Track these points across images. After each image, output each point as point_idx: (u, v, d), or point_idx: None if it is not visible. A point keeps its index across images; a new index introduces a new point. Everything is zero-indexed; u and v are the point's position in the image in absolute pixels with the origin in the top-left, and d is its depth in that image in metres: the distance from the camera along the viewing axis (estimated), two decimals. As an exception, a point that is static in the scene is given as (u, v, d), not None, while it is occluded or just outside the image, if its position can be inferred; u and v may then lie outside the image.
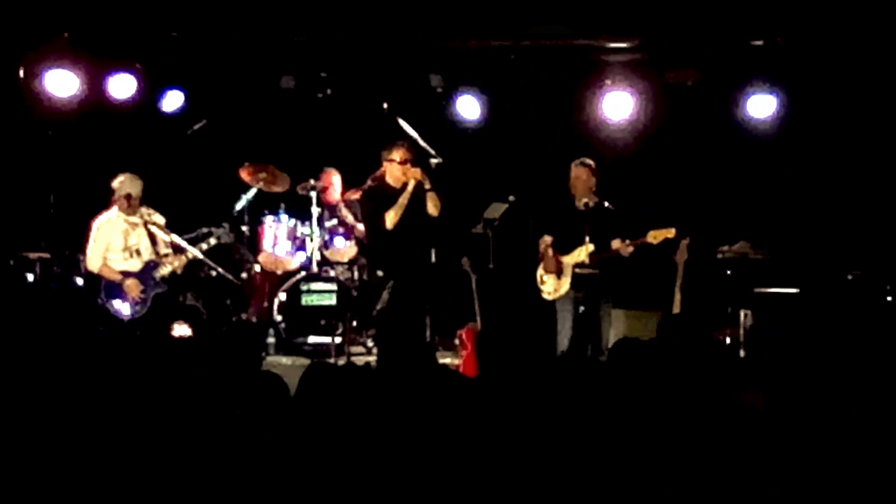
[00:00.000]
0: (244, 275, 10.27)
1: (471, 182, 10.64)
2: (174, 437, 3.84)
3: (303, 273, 10.05)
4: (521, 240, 9.43)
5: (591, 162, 9.09)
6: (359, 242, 10.17)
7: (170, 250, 9.49)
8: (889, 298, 9.24)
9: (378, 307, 8.89)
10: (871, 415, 3.99)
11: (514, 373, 5.06)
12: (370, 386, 4.00)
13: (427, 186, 8.84)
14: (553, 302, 9.06)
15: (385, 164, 9.02)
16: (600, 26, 9.85)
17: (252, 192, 10.38)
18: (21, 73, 9.99)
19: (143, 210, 9.42)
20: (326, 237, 10.19)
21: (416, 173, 8.88)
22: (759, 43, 9.81)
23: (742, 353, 8.91)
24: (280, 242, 10.18)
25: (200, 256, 9.53)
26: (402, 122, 9.91)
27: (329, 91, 10.64)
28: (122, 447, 3.79)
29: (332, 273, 10.13)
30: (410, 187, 8.87)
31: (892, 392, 4.18)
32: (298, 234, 10.20)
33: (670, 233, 8.67)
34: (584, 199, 9.01)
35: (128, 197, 9.30)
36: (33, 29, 9.73)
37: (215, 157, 10.84)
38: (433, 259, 9.34)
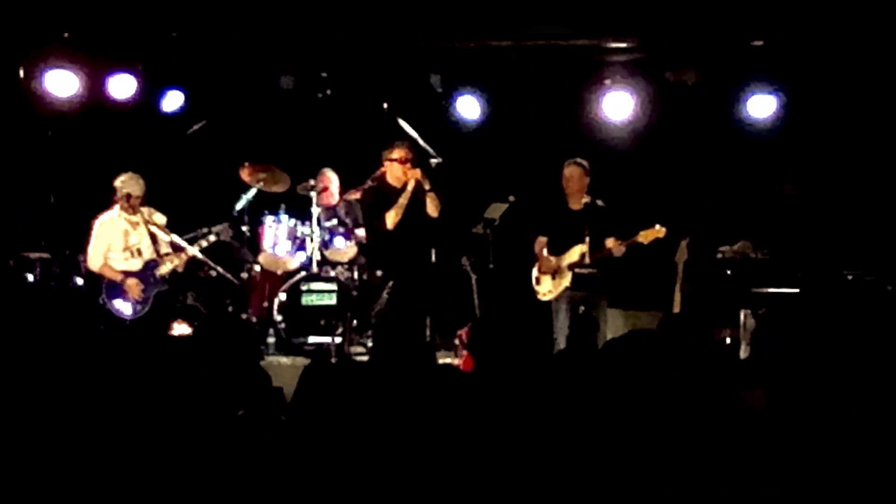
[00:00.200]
0: (244, 275, 10.27)
1: (471, 182, 10.65)
2: (174, 436, 3.84)
3: (303, 273, 10.05)
4: (521, 240, 9.44)
5: (584, 161, 9.12)
6: (358, 243, 10.17)
7: (170, 249, 9.51)
8: (889, 299, 9.23)
9: (377, 307, 8.90)
10: (871, 415, 3.99)
11: (507, 369, 5.07)
12: (369, 385, 4.00)
13: (427, 187, 8.85)
14: (549, 302, 9.08)
15: (385, 164, 9.03)
16: (600, 26, 9.85)
17: (252, 192, 10.38)
18: (21, 73, 10.00)
19: (145, 210, 9.43)
20: (326, 237, 10.19)
21: (416, 173, 8.89)
22: (759, 43, 9.81)
23: (747, 353, 8.90)
24: (280, 242, 10.17)
25: (200, 256, 9.55)
26: (402, 122, 9.92)
27: (329, 91, 10.64)
28: (122, 447, 3.79)
29: (332, 273, 10.12)
30: (410, 187, 8.87)
31: (892, 392, 4.18)
32: (298, 234, 10.19)
33: (660, 232, 8.69)
34: (578, 200, 9.04)
35: (128, 197, 9.30)
36: (33, 29, 9.73)
37: (215, 157, 10.84)
38: (433, 259, 9.35)
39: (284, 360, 9.59)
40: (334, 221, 10.26)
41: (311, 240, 10.09)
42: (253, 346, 7.77)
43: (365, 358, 9.68)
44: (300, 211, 10.32)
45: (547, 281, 9.10)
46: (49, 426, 3.96)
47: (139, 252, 9.42)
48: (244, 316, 10.14)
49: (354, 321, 9.89)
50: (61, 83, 10.00)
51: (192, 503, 3.62)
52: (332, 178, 10.37)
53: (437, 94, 10.51)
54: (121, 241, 9.37)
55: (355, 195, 9.91)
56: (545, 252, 9.13)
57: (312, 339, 9.91)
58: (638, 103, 10.17)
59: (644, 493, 3.59)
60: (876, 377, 4.44)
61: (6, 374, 4.70)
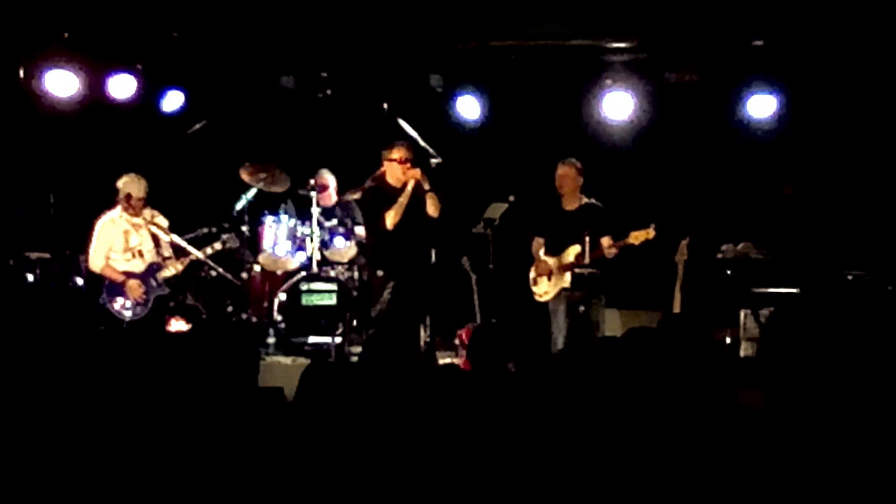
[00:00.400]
0: (244, 275, 10.27)
1: (471, 182, 10.64)
2: (174, 436, 3.84)
3: (303, 273, 10.05)
4: (521, 240, 9.45)
5: (576, 161, 9.13)
6: (358, 243, 10.17)
7: (172, 252, 9.52)
8: (889, 299, 9.23)
9: (378, 308, 8.89)
10: (871, 415, 3.99)
11: (505, 371, 5.07)
12: (369, 385, 4.00)
13: (427, 187, 8.85)
14: (547, 303, 9.08)
15: (385, 164, 9.02)
16: (600, 26, 9.85)
17: (252, 192, 10.38)
18: (21, 73, 9.99)
19: (147, 212, 9.43)
20: (326, 237, 10.19)
21: (416, 173, 8.88)
22: (760, 43, 9.81)
23: (751, 352, 8.90)
24: (280, 242, 10.17)
25: (202, 258, 9.55)
26: (402, 122, 9.91)
27: (329, 91, 10.63)
28: (121, 447, 3.79)
29: (332, 273, 10.13)
30: (410, 187, 8.87)
31: (892, 392, 4.18)
32: (298, 234, 10.19)
33: (649, 234, 8.69)
34: (572, 200, 9.06)
35: (128, 197, 9.31)
36: (33, 29, 9.73)
37: (215, 157, 10.84)
38: (433, 259, 9.35)
39: (284, 360, 9.59)
40: (334, 221, 10.26)
41: (311, 240, 10.09)
42: (253, 346, 7.77)
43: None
44: (300, 211, 10.32)
45: (544, 282, 9.11)
46: (49, 426, 3.96)
47: (141, 254, 9.42)
48: (244, 316, 10.14)
49: (354, 321, 9.89)
50: (61, 83, 10.00)
51: (191, 503, 3.62)
52: (329, 180, 10.36)
53: (437, 94, 10.50)
54: (121, 241, 9.38)
55: (355, 195, 9.91)
56: (542, 253, 9.15)
57: (312, 339, 9.91)
58: (638, 103, 10.17)
59: (644, 493, 3.59)
60: (876, 377, 4.44)
61: (6, 373, 4.70)
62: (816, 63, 9.80)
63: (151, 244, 9.44)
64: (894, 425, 3.91)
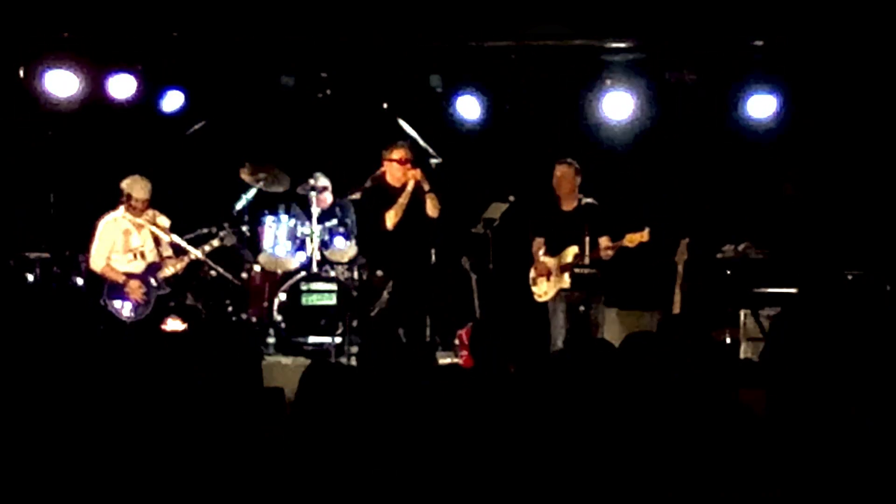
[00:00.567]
0: (244, 275, 10.27)
1: (471, 182, 10.65)
2: (174, 436, 3.84)
3: (303, 273, 10.05)
4: (521, 240, 9.45)
5: (574, 161, 9.13)
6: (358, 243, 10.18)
7: (172, 252, 9.52)
8: (889, 299, 9.24)
9: (378, 308, 8.90)
10: (871, 415, 3.99)
11: (506, 370, 5.07)
12: (369, 385, 4.00)
13: (426, 187, 8.85)
14: (546, 303, 9.09)
15: (385, 164, 9.03)
16: (600, 26, 9.85)
17: (252, 192, 10.38)
18: (21, 73, 10.00)
19: (149, 212, 9.44)
20: (326, 237, 10.19)
21: (415, 173, 8.89)
22: (759, 43, 9.81)
23: (752, 352, 8.91)
24: (280, 242, 10.17)
25: (202, 258, 9.56)
26: (402, 122, 9.91)
27: (329, 91, 10.63)
28: (121, 447, 3.79)
29: (332, 273, 10.13)
30: (410, 187, 8.88)
31: (892, 392, 4.18)
32: (298, 234, 10.19)
33: (644, 236, 8.68)
34: (570, 200, 9.06)
35: (128, 198, 9.32)
36: (33, 29, 9.73)
37: (215, 157, 10.84)
38: (433, 259, 9.35)
39: (284, 360, 9.59)
40: (334, 221, 10.26)
41: (311, 240, 10.09)
42: (253, 346, 7.77)
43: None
44: (300, 211, 10.32)
45: (543, 282, 9.11)
46: (49, 426, 3.96)
47: (142, 255, 9.43)
48: (244, 316, 10.14)
49: (354, 321, 9.89)
50: (61, 83, 9.99)
51: (191, 503, 3.62)
52: (325, 183, 10.35)
53: (437, 94, 10.50)
54: (121, 242, 9.38)
55: (355, 195, 9.91)
56: (541, 253, 9.15)
57: (312, 339, 9.91)
58: (638, 103, 10.17)
59: (644, 493, 3.59)
60: (876, 377, 4.45)
61: (6, 373, 4.70)
62: (816, 63, 9.80)
63: (152, 244, 9.45)
64: (894, 425, 3.91)
